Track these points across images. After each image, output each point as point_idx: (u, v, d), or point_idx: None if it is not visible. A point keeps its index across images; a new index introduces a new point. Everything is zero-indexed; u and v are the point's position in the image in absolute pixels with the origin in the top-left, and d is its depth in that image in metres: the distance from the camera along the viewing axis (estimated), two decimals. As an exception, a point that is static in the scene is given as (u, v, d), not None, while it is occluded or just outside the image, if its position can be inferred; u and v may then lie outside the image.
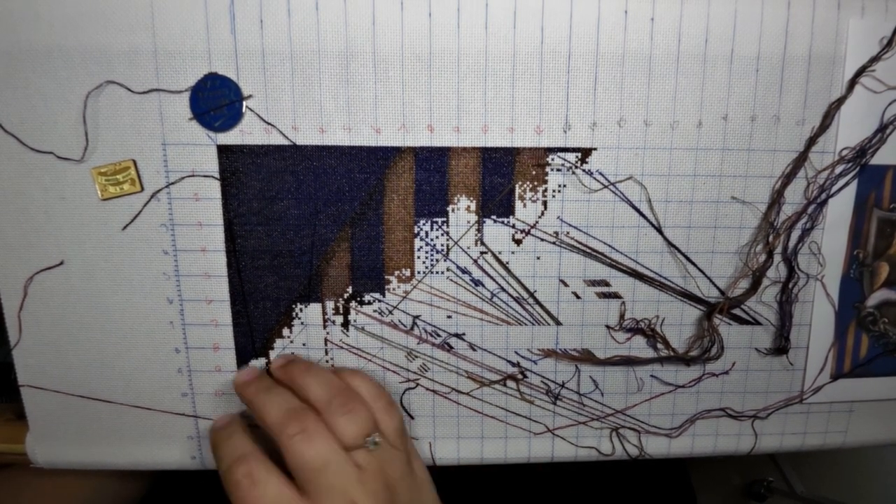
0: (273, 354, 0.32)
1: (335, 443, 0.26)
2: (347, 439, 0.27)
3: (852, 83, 0.30)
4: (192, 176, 0.30)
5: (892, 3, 0.30)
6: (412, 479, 0.29)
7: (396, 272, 0.32)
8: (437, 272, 0.32)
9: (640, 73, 0.30)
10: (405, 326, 0.33)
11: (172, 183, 0.30)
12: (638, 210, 0.32)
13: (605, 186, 0.31)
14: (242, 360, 0.33)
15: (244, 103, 0.29)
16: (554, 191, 0.31)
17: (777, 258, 0.32)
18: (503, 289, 0.32)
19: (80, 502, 0.37)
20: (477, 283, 0.32)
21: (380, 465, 0.27)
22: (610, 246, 0.32)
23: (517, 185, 0.31)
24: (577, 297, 0.33)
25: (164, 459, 0.34)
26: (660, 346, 0.34)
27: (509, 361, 0.33)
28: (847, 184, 0.32)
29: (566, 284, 0.32)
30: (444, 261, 0.32)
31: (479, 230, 0.32)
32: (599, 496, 0.46)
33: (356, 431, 0.27)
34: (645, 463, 0.36)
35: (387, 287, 0.32)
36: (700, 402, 0.35)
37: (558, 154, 0.31)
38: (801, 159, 0.31)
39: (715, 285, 0.33)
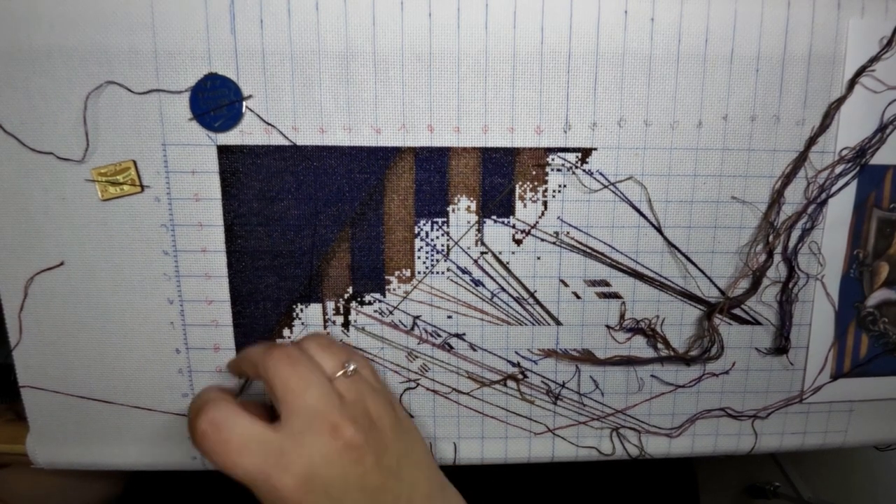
0: (273, 355, 0.33)
1: (319, 369, 0.26)
2: (326, 369, 0.27)
3: (852, 83, 0.30)
4: (193, 174, 0.30)
5: (892, 3, 0.30)
6: (397, 420, 0.28)
7: (397, 272, 0.32)
8: (437, 272, 0.32)
9: (640, 73, 0.30)
10: (405, 327, 0.33)
11: (172, 183, 0.30)
12: (638, 210, 0.32)
13: (605, 186, 0.31)
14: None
15: (244, 103, 0.29)
16: (554, 191, 0.31)
17: (777, 258, 0.32)
18: (503, 289, 0.32)
19: (69, 501, 0.37)
20: (477, 283, 0.32)
21: (359, 394, 0.27)
22: (610, 246, 0.32)
23: (517, 186, 0.31)
24: (578, 297, 0.33)
25: (164, 460, 0.34)
26: (660, 346, 0.34)
27: (509, 361, 0.33)
28: (847, 184, 0.32)
29: (566, 284, 0.32)
30: (445, 261, 0.32)
31: (480, 230, 0.32)
32: (601, 496, 0.46)
33: (333, 360, 0.27)
34: (651, 463, 0.36)
35: (387, 287, 0.32)
36: (700, 401, 0.35)
37: (558, 154, 0.31)
38: (801, 159, 0.31)
39: (715, 285, 0.33)
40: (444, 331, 0.33)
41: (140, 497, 0.43)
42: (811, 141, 0.31)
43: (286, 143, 0.30)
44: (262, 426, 0.25)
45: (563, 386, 0.34)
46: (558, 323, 0.33)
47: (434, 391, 0.34)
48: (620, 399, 0.34)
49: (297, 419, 0.25)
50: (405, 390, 0.33)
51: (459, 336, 0.33)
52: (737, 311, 0.33)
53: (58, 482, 0.37)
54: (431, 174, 0.31)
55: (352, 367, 0.27)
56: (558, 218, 0.32)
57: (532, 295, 0.32)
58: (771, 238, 0.32)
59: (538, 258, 0.32)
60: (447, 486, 0.30)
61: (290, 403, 0.25)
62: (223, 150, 0.30)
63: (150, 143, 0.29)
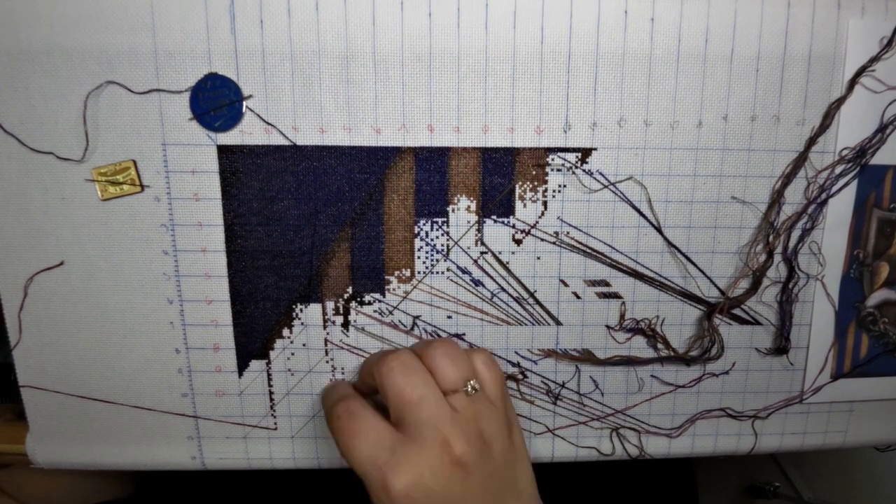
0: (273, 355, 0.32)
1: (433, 382, 0.26)
2: (446, 382, 0.27)
3: (852, 83, 0.30)
4: (193, 174, 0.30)
5: (892, 3, 0.30)
6: (510, 445, 0.28)
7: (396, 272, 0.32)
8: (437, 272, 0.32)
9: (640, 73, 0.30)
10: (405, 327, 0.33)
11: (172, 183, 0.30)
12: (638, 210, 0.32)
13: (605, 186, 0.31)
14: (243, 360, 0.33)
15: (244, 103, 0.29)
16: (554, 191, 0.31)
17: (777, 258, 0.32)
18: (503, 289, 0.32)
19: (69, 501, 0.37)
20: (477, 283, 0.32)
21: (476, 413, 0.27)
22: (610, 246, 0.32)
23: (517, 186, 0.31)
24: (578, 297, 0.33)
25: (164, 460, 0.34)
26: (660, 346, 0.34)
27: (509, 361, 0.33)
28: (847, 184, 0.32)
29: (566, 284, 0.32)
30: (445, 261, 0.32)
31: (480, 230, 0.32)
32: (600, 496, 0.46)
33: (456, 374, 0.27)
34: (651, 463, 0.36)
35: (387, 287, 0.32)
36: (700, 402, 0.35)
37: (558, 154, 0.31)
38: (801, 159, 0.31)
39: (715, 285, 0.33)
40: (444, 331, 0.33)
41: (152, 497, 0.43)
42: (811, 141, 0.31)
43: (286, 142, 0.30)
44: (386, 425, 0.26)
45: (562, 386, 0.34)
46: (558, 323, 0.33)
47: (434, 391, 0.34)
48: (620, 399, 0.34)
49: (411, 428, 0.26)
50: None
51: (459, 336, 0.33)
52: (737, 312, 0.33)
53: (69, 482, 0.37)
54: (431, 174, 0.31)
55: (472, 386, 0.27)
56: (558, 218, 0.32)
57: (532, 295, 0.32)
58: (771, 238, 0.32)
59: (538, 258, 0.32)
60: None
61: (403, 413, 0.26)
62: (223, 150, 0.30)
63: (150, 143, 0.29)
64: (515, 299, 0.33)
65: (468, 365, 0.28)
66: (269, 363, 0.33)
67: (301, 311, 0.32)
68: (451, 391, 0.27)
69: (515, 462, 0.28)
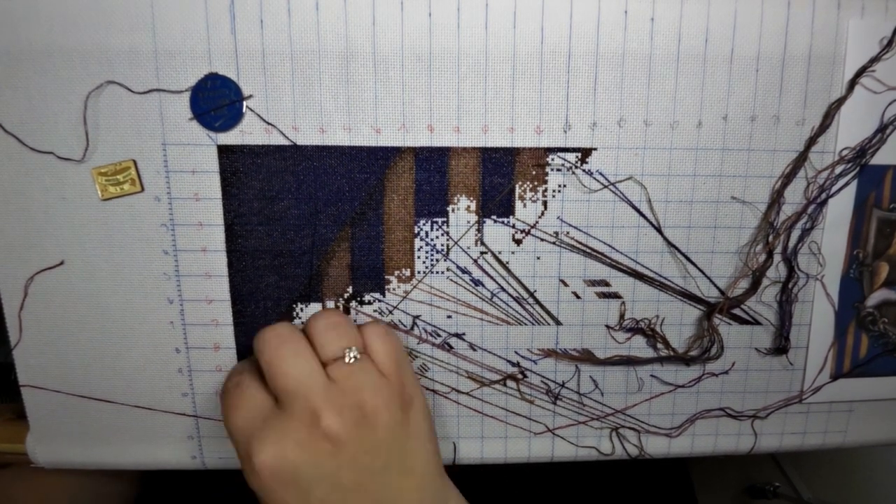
0: (273, 354, 0.33)
1: (309, 352, 0.26)
2: (325, 350, 0.26)
3: (852, 83, 0.30)
4: (193, 174, 0.30)
5: (892, 3, 0.30)
6: (402, 419, 0.26)
7: (396, 272, 0.32)
8: (437, 272, 0.32)
9: (640, 73, 0.30)
10: (405, 326, 0.33)
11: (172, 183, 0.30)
12: (638, 210, 0.32)
13: (605, 186, 0.31)
14: (243, 360, 0.33)
15: (244, 103, 0.29)
16: (554, 191, 0.31)
17: (777, 258, 0.32)
18: (503, 289, 0.32)
19: (77, 502, 0.37)
20: (477, 283, 0.32)
21: (357, 384, 0.25)
22: (610, 246, 0.32)
23: (517, 185, 0.31)
24: (577, 297, 0.33)
25: (164, 459, 0.34)
26: (660, 345, 0.34)
27: (509, 361, 0.33)
28: (847, 184, 0.32)
29: (566, 284, 0.32)
30: (444, 261, 0.32)
31: (479, 230, 0.32)
32: (599, 496, 0.46)
33: (336, 343, 0.26)
34: (645, 463, 0.36)
35: (387, 287, 0.32)
36: (700, 401, 0.35)
37: (558, 154, 0.31)
38: (801, 159, 0.31)
39: (715, 285, 0.33)
40: (444, 330, 0.33)
41: (159, 496, 0.43)
42: (811, 141, 0.31)
43: (286, 142, 0.30)
44: (266, 397, 0.26)
45: (562, 386, 0.34)
46: (558, 323, 0.33)
47: (434, 391, 0.34)
48: (620, 399, 0.34)
49: (282, 401, 0.25)
50: (405, 390, 0.34)
51: (459, 336, 0.33)
52: (737, 311, 0.33)
53: (77, 481, 0.37)
54: (431, 174, 0.31)
55: (353, 355, 0.26)
56: (558, 218, 0.32)
57: (532, 295, 0.33)
58: (771, 238, 0.32)
59: (538, 258, 0.32)
60: (449, 501, 0.28)
61: (275, 385, 0.25)
62: (223, 150, 0.30)
63: (151, 143, 0.29)
64: (515, 299, 0.33)
65: (354, 335, 0.27)
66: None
67: (301, 310, 0.32)
68: (330, 360, 0.26)
69: (408, 439, 0.26)
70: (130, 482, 0.40)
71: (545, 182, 0.31)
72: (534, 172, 0.31)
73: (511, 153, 0.31)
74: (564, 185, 0.31)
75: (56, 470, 0.34)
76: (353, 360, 0.26)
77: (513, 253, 0.32)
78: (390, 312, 0.32)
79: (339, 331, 0.27)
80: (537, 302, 0.33)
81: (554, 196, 0.31)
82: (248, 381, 0.27)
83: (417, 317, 0.33)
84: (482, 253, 0.32)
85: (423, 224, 0.31)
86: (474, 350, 0.33)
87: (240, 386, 0.27)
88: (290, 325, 0.27)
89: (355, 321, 0.32)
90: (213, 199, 0.30)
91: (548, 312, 0.33)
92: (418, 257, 0.32)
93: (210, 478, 0.38)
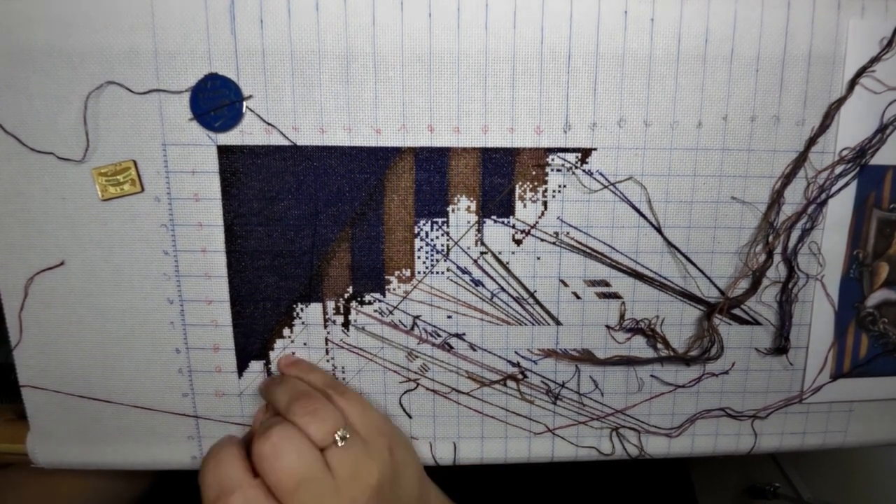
0: (273, 355, 0.33)
1: (305, 446, 0.26)
2: (318, 440, 0.26)
3: (852, 83, 0.30)
4: (193, 174, 0.30)
5: (892, 3, 0.30)
6: (392, 466, 0.28)
7: (397, 272, 0.32)
8: (437, 272, 0.32)
9: (640, 73, 0.30)
10: (405, 326, 0.33)
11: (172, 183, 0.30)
12: (638, 210, 0.32)
13: (605, 186, 0.31)
14: (242, 360, 0.33)
15: (244, 104, 0.29)
16: (554, 191, 0.31)
17: (777, 258, 0.32)
18: (503, 289, 0.32)
19: (78, 502, 0.37)
20: (477, 283, 0.32)
21: (354, 465, 0.26)
22: (610, 246, 0.32)
23: (517, 186, 0.31)
24: (577, 297, 0.33)
25: (164, 459, 0.34)
26: (660, 346, 0.34)
27: (509, 361, 0.33)
28: (847, 184, 0.32)
29: (566, 284, 0.32)
30: (445, 261, 0.32)
31: (480, 230, 0.32)
32: (599, 496, 0.46)
33: (324, 430, 0.26)
34: (645, 463, 0.36)
35: (387, 287, 0.32)
36: (700, 401, 0.35)
37: (558, 154, 0.31)
38: (801, 159, 0.31)
39: (715, 285, 0.33)
40: (444, 331, 0.33)
41: (167, 496, 0.43)
42: (811, 141, 0.31)
43: (286, 143, 0.30)
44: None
45: (562, 386, 0.34)
46: (558, 323, 0.33)
47: (434, 391, 0.34)
48: (620, 399, 0.34)
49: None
50: (405, 391, 0.33)
51: (459, 336, 0.33)
52: (736, 312, 0.33)
53: (77, 481, 0.37)
54: (431, 174, 0.31)
55: (342, 436, 0.27)
56: (558, 218, 0.32)
57: (532, 295, 0.33)
58: (771, 238, 0.32)
59: (538, 258, 0.32)
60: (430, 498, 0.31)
61: (287, 500, 0.25)
62: (223, 150, 0.30)
63: (151, 143, 0.29)
64: (515, 299, 0.33)
65: (333, 414, 0.27)
66: (268, 364, 0.33)
67: (301, 310, 0.32)
68: (324, 447, 0.26)
69: (398, 478, 0.29)
70: (131, 482, 0.40)
71: (545, 182, 0.31)
72: (534, 173, 0.31)
73: (511, 153, 0.31)
74: (564, 186, 0.31)
75: (56, 470, 0.34)
76: (341, 438, 0.27)
77: (513, 253, 0.32)
78: (390, 312, 0.32)
79: (320, 414, 0.27)
80: (537, 302, 0.33)
81: (554, 196, 0.31)
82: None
83: (417, 317, 0.33)
84: (482, 253, 0.32)
85: (424, 224, 0.31)
86: (474, 350, 0.33)
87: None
88: (275, 419, 0.27)
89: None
90: (213, 199, 0.30)
91: (548, 312, 0.33)
92: (418, 257, 0.32)
93: None
